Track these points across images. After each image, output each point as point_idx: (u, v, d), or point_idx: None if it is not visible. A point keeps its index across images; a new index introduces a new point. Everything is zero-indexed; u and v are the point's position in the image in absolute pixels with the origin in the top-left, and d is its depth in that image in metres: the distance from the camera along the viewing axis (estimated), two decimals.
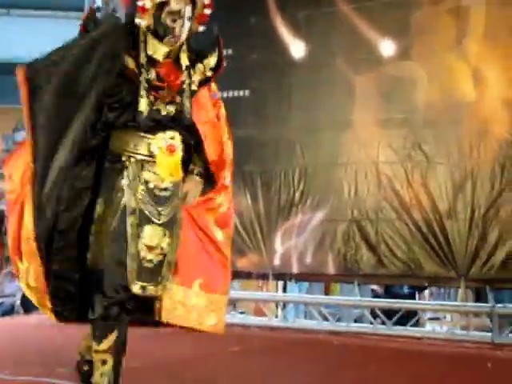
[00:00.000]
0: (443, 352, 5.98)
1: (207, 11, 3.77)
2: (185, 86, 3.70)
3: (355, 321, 7.26)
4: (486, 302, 6.33)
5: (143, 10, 3.63)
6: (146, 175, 3.59)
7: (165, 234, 3.63)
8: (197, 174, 3.85)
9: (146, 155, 3.59)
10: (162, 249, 3.63)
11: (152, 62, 3.61)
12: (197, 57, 3.86)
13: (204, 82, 3.90)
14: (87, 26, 3.75)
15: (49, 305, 3.68)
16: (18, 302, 8.94)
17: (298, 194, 7.00)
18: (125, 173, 3.58)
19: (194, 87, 3.77)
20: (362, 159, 6.68)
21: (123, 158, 3.60)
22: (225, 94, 7.54)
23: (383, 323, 6.71)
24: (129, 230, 3.54)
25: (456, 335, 6.43)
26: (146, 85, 3.56)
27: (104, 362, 3.61)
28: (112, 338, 3.60)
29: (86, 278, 3.62)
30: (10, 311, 8.69)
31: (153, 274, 3.63)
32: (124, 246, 3.53)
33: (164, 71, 3.62)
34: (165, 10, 3.60)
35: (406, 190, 6.47)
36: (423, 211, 6.38)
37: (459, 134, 6.28)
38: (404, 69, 6.56)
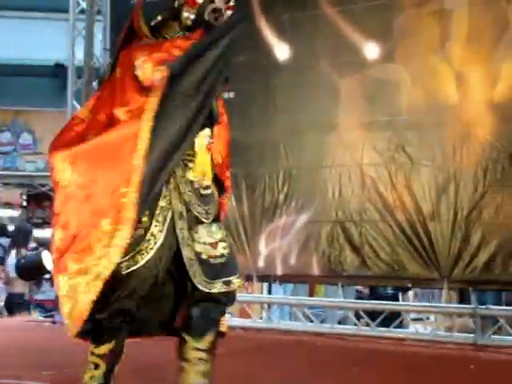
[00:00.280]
0: (426, 353, 6.02)
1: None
2: None
3: (339, 322, 7.29)
4: (470, 303, 6.36)
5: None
6: (189, 175, 3.46)
7: (220, 228, 3.52)
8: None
9: (189, 154, 3.45)
10: (225, 241, 3.52)
11: None
12: None
13: None
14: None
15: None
16: (2, 304, 8.94)
17: (282, 196, 7.02)
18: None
19: None
20: (346, 161, 6.71)
21: None
22: None
23: (367, 324, 6.74)
24: (180, 235, 3.39)
25: (439, 336, 6.47)
26: None
27: (97, 367, 3.50)
28: (111, 345, 3.47)
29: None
30: None
31: (227, 266, 3.50)
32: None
33: None
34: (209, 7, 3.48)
35: (390, 192, 6.50)
36: (407, 213, 6.41)
37: (443, 137, 6.31)
38: (388, 71, 6.59)
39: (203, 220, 3.46)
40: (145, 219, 3.30)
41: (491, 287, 6.49)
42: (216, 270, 3.44)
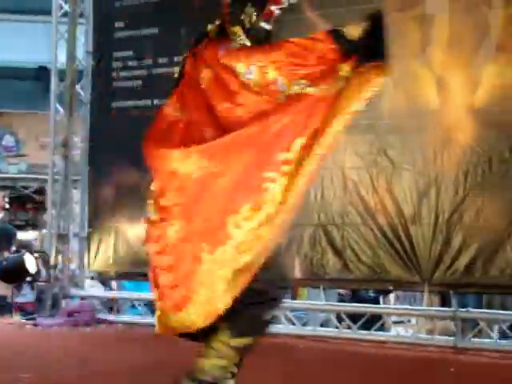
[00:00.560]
0: (407, 356, 6.05)
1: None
2: None
3: (321, 325, 7.31)
4: (451, 306, 6.40)
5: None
6: None
7: None
8: None
9: None
10: None
11: None
12: None
13: None
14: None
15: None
16: None
17: None
18: None
19: None
20: (328, 165, 6.71)
21: None
22: None
23: (349, 327, 6.76)
24: None
25: (420, 339, 6.50)
26: None
27: (227, 357, 3.41)
28: (250, 340, 3.44)
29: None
30: None
31: None
32: None
33: None
34: None
35: (372, 196, 6.52)
36: (388, 216, 6.44)
37: (424, 141, 6.34)
38: None
39: None
40: None
41: (472, 290, 6.53)
42: None
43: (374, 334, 6.65)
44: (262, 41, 3.51)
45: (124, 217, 7.89)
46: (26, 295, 8.66)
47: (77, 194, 8.41)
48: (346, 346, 6.41)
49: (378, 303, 8.37)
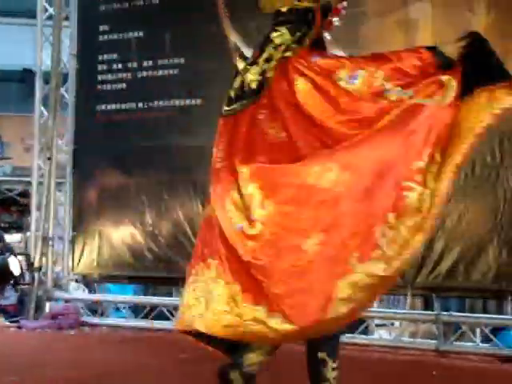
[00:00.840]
0: (390, 359, 6.07)
1: None
2: None
3: None
4: (434, 309, 6.44)
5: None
6: None
7: None
8: None
9: None
10: None
11: None
12: None
13: None
14: None
15: None
16: None
17: None
18: None
19: None
20: None
21: None
22: (176, 103, 7.61)
23: None
24: None
25: (403, 342, 6.53)
26: None
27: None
28: None
29: None
30: None
31: None
32: None
33: None
34: None
35: None
36: None
37: None
38: None
39: None
40: None
41: (454, 294, 6.56)
42: None
43: (357, 337, 6.67)
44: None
45: (108, 220, 7.90)
46: (10, 298, 8.64)
47: (61, 197, 8.40)
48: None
49: None
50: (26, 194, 11.47)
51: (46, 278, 8.10)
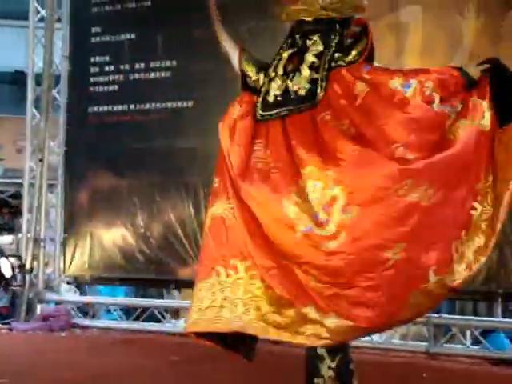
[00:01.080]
0: (380, 361, 6.08)
1: None
2: None
3: None
4: None
5: None
6: None
7: None
8: None
9: None
10: None
11: None
12: None
13: None
14: None
15: None
16: None
17: None
18: None
19: None
20: None
21: None
22: (168, 105, 7.62)
23: None
24: None
25: (393, 344, 6.54)
26: None
27: None
28: None
29: None
30: None
31: None
32: None
33: None
34: None
35: None
36: None
37: None
38: None
39: None
40: None
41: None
42: None
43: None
44: None
45: (100, 222, 7.90)
46: (1, 299, 8.63)
47: (53, 199, 8.40)
48: None
49: None
50: (17, 196, 11.46)
51: (37, 280, 8.10)
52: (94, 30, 8.11)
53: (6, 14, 13.56)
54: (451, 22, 6.26)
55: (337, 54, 3.58)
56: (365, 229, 3.27)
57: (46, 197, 8.22)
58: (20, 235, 9.47)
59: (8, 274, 8.21)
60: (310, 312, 3.28)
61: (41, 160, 8.18)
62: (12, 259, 8.38)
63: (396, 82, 3.41)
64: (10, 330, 7.53)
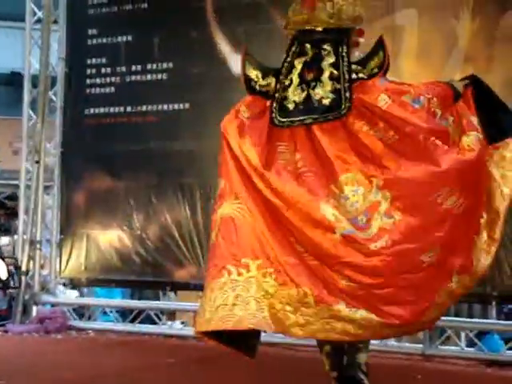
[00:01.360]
0: (375, 363, 6.04)
1: None
2: None
3: None
4: None
5: None
6: None
7: None
8: None
9: None
10: None
11: None
12: None
13: None
14: None
15: None
16: None
17: None
18: None
19: None
20: None
21: None
22: (165, 107, 7.63)
23: None
24: None
25: (389, 346, 6.53)
26: None
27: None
28: None
29: None
30: None
31: None
32: None
33: None
34: None
35: None
36: None
37: None
38: None
39: None
40: None
41: None
42: None
43: None
44: None
45: (96, 223, 7.90)
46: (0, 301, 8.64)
47: (49, 200, 8.40)
48: (316, 354, 6.43)
49: None
50: (13, 197, 11.45)
51: (33, 282, 8.10)
52: (90, 31, 8.11)
53: (2, 15, 13.55)
54: (447, 24, 6.28)
55: (354, 66, 3.70)
56: (405, 233, 3.45)
57: (42, 198, 8.21)
58: (16, 237, 9.48)
59: (4, 275, 8.20)
60: (341, 309, 3.42)
61: (37, 162, 8.18)
62: (8, 261, 8.36)
63: (408, 97, 3.60)
64: (6, 331, 7.52)
